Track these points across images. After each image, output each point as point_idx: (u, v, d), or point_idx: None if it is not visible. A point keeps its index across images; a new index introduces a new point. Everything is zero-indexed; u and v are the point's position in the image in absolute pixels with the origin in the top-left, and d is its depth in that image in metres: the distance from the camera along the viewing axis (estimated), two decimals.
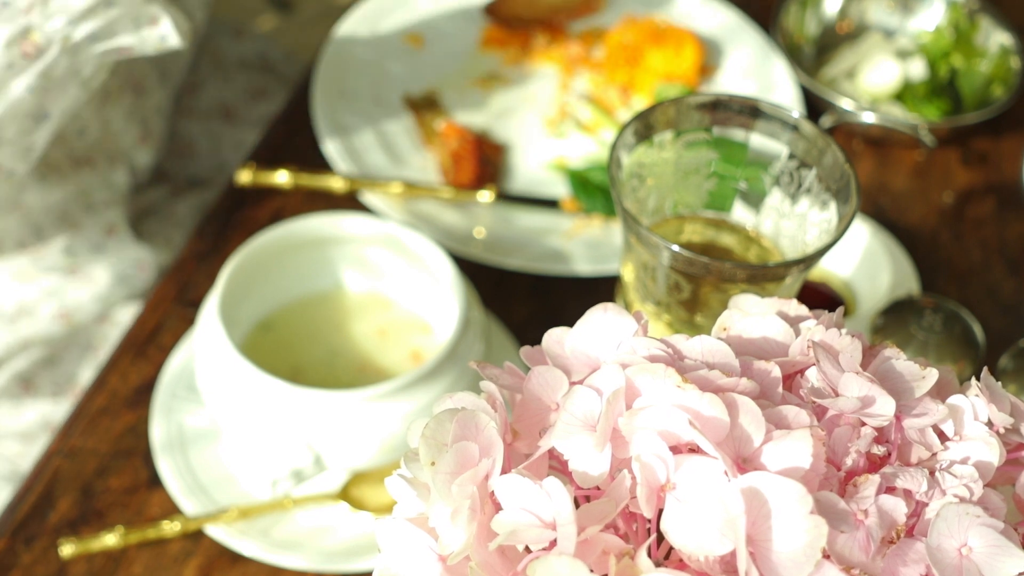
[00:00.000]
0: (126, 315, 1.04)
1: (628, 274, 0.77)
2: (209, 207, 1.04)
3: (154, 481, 0.84)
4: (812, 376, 0.51)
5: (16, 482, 0.98)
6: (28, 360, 1.05)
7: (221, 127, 1.21)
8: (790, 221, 0.76)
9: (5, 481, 1.03)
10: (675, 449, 0.46)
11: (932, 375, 0.51)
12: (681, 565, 0.45)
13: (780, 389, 0.50)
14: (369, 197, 1.01)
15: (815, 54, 1.19)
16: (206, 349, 0.82)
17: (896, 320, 0.90)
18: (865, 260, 0.98)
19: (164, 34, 0.85)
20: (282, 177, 1.01)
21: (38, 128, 0.89)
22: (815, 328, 0.52)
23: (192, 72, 1.22)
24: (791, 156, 0.75)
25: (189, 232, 1.04)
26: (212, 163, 1.20)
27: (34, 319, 1.04)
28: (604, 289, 0.94)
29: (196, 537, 0.82)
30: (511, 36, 1.16)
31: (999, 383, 0.52)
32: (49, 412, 1.04)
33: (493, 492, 0.47)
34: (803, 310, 0.55)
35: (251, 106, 1.23)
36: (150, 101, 1.11)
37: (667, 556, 0.47)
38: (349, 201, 1.01)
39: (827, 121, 1.08)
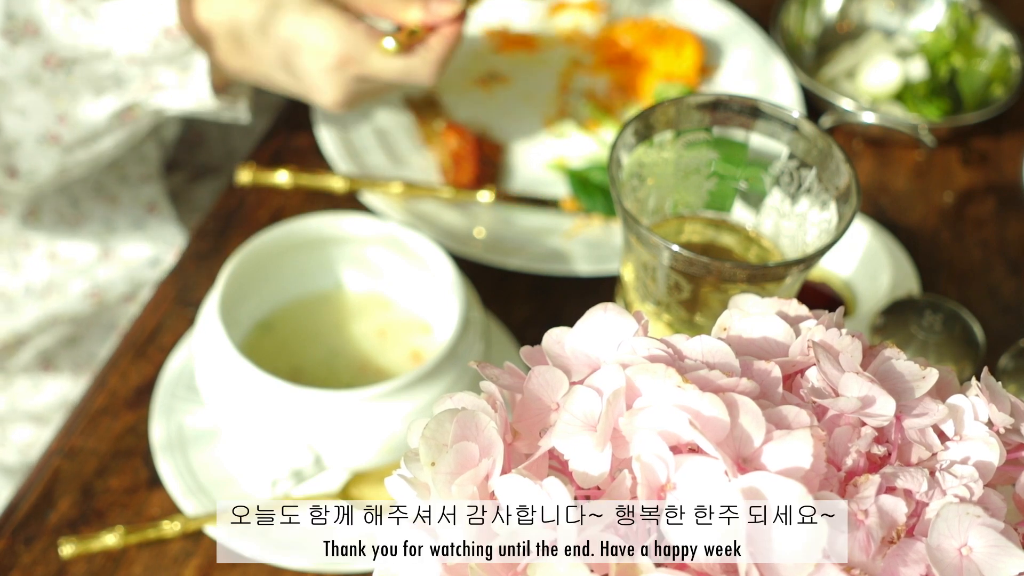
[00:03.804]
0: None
1: (628, 274, 0.77)
2: (217, 200, 1.05)
3: (154, 481, 0.84)
4: (812, 376, 0.51)
5: (23, 475, 0.99)
6: (53, 338, 1.05)
7: None
8: (790, 221, 0.76)
9: (12, 474, 1.03)
10: (675, 449, 0.46)
11: (932, 375, 0.51)
12: (681, 565, 0.45)
13: (780, 389, 0.50)
14: (369, 197, 1.01)
15: (815, 54, 1.19)
16: (206, 349, 0.82)
17: (896, 320, 0.90)
18: (865, 260, 0.98)
19: (238, 116, 0.97)
20: (282, 177, 1.01)
21: (108, 154, 0.98)
22: (815, 328, 0.52)
23: None
24: (791, 156, 0.75)
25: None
26: (222, 150, 1.21)
27: (64, 296, 1.05)
28: (604, 289, 0.94)
29: (196, 537, 0.81)
30: (511, 36, 1.16)
31: (999, 383, 0.52)
32: (68, 390, 1.05)
33: (493, 492, 0.47)
34: (803, 310, 0.54)
35: (260, 92, 1.23)
36: None
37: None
38: (349, 201, 1.01)
39: (827, 121, 1.08)
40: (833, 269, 0.99)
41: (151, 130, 0.99)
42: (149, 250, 1.08)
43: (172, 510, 0.83)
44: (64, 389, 1.06)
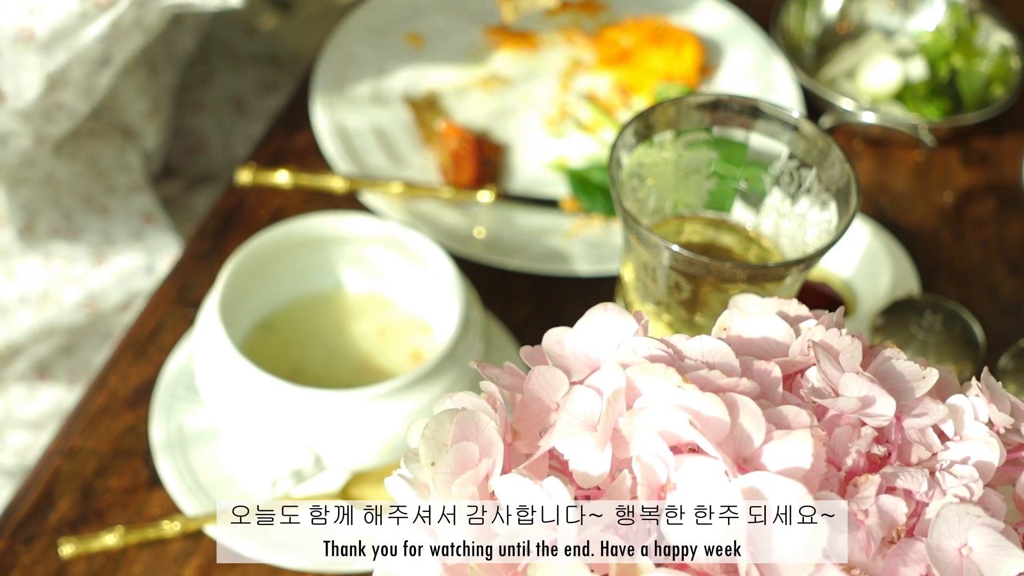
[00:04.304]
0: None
1: (628, 274, 0.77)
2: (215, 205, 1.05)
3: (154, 481, 0.84)
4: (812, 376, 0.51)
5: (22, 477, 0.99)
6: (48, 347, 1.05)
7: (232, 120, 1.22)
8: (790, 221, 0.76)
9: (10, 476, 1.03)
10: (675, 449, 0.46)
11: (932, 375, 0.51)
12: (681, 565, 0.45)
13: (780, 389, 0.50)
14: (369, 197, 1.01)
15: (815, 54, 1.19)
16: (206, 349, 0.82)
17: (896, 320, 0.90)
18: (865, 260, 0.98)
19: None
20: (282, 177, 1.01)
21: (101, 71, 0.92)
22: (815, 328, 0.52)
23: (204, 64, 1.24)
24: (791, 156, 0.75)
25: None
26: (223, 157, 1.21)
27: (59, 306, 1.05)
28: (604, 289, 0.94)
29: (196, 537, 0.81)
30: (511, 36, 1.16)
31: (999, 383, 0.52)
32: (62, 398, 1.05)
33: (493, 492, 0.47)
34: (803, 310, 0.55)
35: (261, 98, 1.23)
36: (160, 78, 1.12)
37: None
38: (349, 201, 1.01)
39: (827, 121, 1.08)
40: (833, 269, 0.99)
41: (144, 35, 0.92)
42: (144, 259, 1.08)
43: (172, 510, 0.83)
44: (59, 397, 1.06)
